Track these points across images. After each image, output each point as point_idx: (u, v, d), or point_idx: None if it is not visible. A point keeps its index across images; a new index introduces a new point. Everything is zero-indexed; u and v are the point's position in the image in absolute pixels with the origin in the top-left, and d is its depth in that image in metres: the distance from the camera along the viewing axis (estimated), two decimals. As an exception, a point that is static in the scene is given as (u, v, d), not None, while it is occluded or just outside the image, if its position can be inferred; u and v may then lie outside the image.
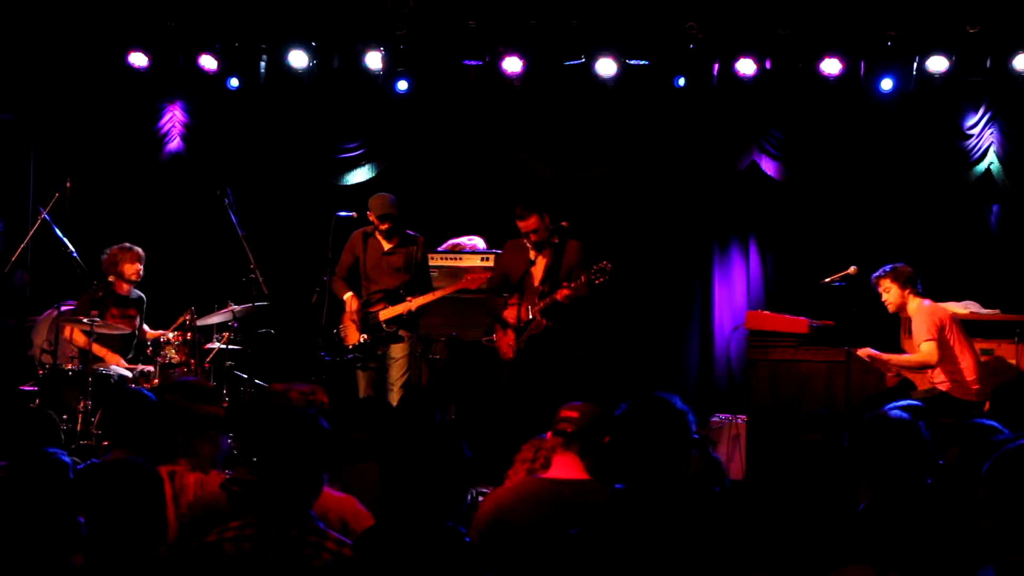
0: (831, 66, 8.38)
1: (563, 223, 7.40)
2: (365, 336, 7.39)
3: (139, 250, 7.90)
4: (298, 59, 8.92)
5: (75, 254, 7.84)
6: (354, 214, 7.47)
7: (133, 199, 9.57)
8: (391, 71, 8.95)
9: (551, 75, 8.89)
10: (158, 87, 9.33)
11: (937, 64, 8.29)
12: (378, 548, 2.87)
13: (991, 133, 8.60)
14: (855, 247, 8.61)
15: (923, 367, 6.84)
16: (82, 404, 7.13)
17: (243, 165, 9.38)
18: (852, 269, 7.49)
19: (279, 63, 9.00)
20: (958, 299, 8.04)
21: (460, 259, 8.63)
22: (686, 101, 8.99)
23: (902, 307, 7.05)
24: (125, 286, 7.85)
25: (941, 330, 6.88)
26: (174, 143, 9.49)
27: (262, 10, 8.93)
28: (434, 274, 8.02)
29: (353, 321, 7.44)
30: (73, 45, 9.09)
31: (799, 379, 7.11)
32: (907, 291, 7.01)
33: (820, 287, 7.59)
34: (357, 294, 7.50)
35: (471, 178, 9.47)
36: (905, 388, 6.99)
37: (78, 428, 7.07)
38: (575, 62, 8.77)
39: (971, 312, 7.86)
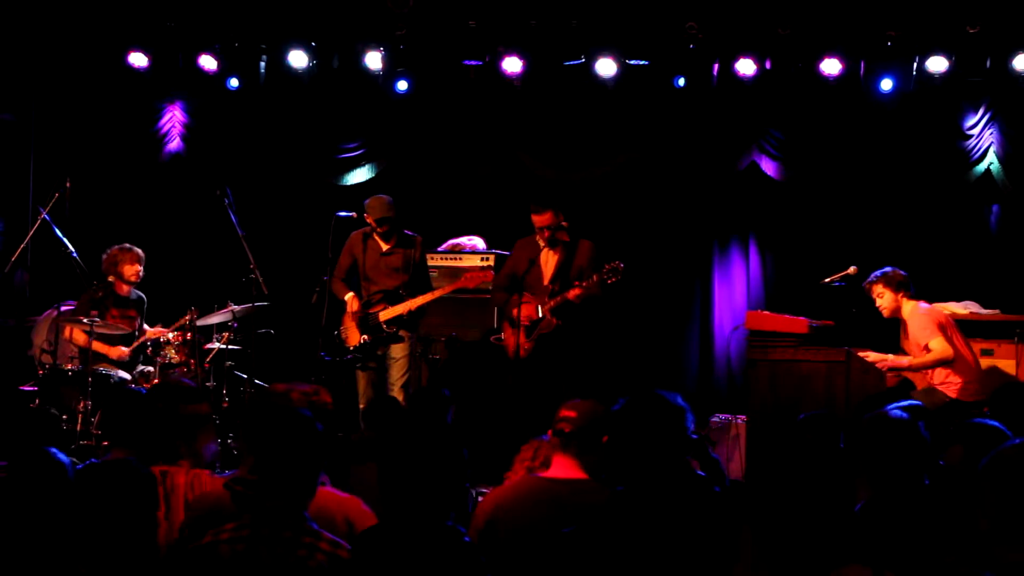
0: (831, 66, 8.38)
1: (563, 223, 7.40)
2: (366, 337, 7.40)
3: (139, 251, 7.90)
4: (298, 59, 8.92)
5: (75, 254, 7.84)
6: (354, 214, 7.47)
7: (133, 199, 9.58)
8: (391, 71, 8.95)
9: (551, 75, 8.89)
10: (158, 87, 9.33)
11: (937, 64, 8.29)
12: (377, 548, 2.87)
13: (991, 133, 8.59)
14: (855, 247, 8.61)
15: (940, 363, 6.83)
16: (82, 404, 7.13)
17: (243, 165, 9.38)
18: (852, 269, 7.49)
19: (279, 63, 9.00)
20: (958, 299, 8.04)
21: (460, 259, 8.63)
22: (686, 101, 8.98)
23: (896, 311, 7.07)
24: (125, 287, 7.85)
25: (943, 328, 6.89)
26: (174, 143, 9.50)
27: (262, 10, 8.93)
28: (434, 274, 8.02)
29: (354, 322, 7.45)
30: (73, 45, 9.09)
31: (799, 379, 7.09)
32: (900, 295, 7.02)
33: (820, 287, 7.58)
34: (357, 295, 7.50)
35: (471, 178, 9.47)
36: (905, 388, 6.99)
37: (78, 428, 7.07)
38: (575, 62, 8.78)
39: (971, 312, 7.86)
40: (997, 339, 7.71)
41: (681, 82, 8.85)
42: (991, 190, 8.78)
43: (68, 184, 7.90)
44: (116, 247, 7.90)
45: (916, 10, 8.23)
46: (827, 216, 9.14)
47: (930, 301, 7.30)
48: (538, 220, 7.22)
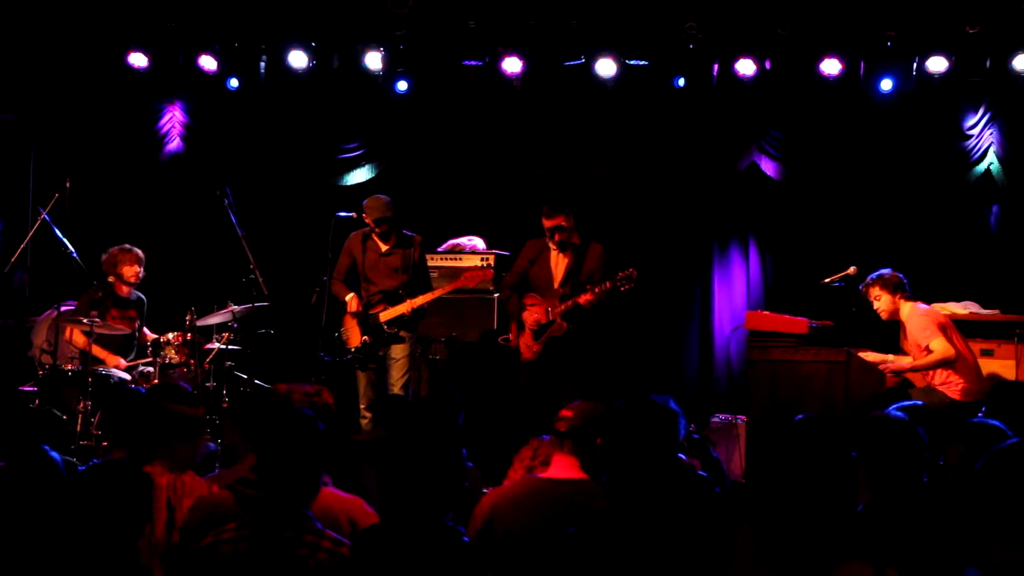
0: (831, 66, 8.39)
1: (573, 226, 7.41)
2: (367, 338, 7.39)
3: (139, 252, 7.89)
4: (298, 59, 8.92)
5: (75, 254, 7.84)
6: (354, 214, 7.47)
7: (133, 199, 9.58)
8: (391, 71, 8.95)
9: (551, 75, 8.90)
10: (158, 87, 9.33)
11: (937, 64, 8.29)
12: (377, 547, 2.87)
13: (991, 133, 8.60)
14: (855, 247, 8.61)
15: (942, 364, 6.83)
16: (82, 404, 7.12)
17: (243, 165, 9.38)
18: (852, 269, 7.49)
19: (279, 63, 9.00)
20: (958, 299, 8.04)
21: (460, 259, 8.64)
22: (686, 101, 8.99)
23: (895, 313, 7.07)
24: (125, 288, 7.85)
25: (944, 328, 6.89)
26: (174, 143, 9.50)
27: (262, 10, 8.93)
28: (434, 275, 8.02)
29: (355, 322, 7.44)
30: (73, 45, 9.09)
31: (799, 379, 7.10)
32: (897, 296, 7.03)
33: (820, 287, 7.59)
34: (357, 295, 7.50)
35: (471, 178, 9.48)
36: (904, 388, 6.99)
37: (78, 428, 7.06)
38: (575, 62, 8.78)
39: (971, 312, 7.86)
40: (997, 339, 7.71)
41: (681, 82, 8.85)
42: (991, 190, 8.78)
43: (68, 184, 7.89)
44: (116, 247, 7.89)
45: (916, 10, 8.23)
46: (827, 216, 9.14)
47: (929, 301, 7.30)
48: (550, 223, 7.23)
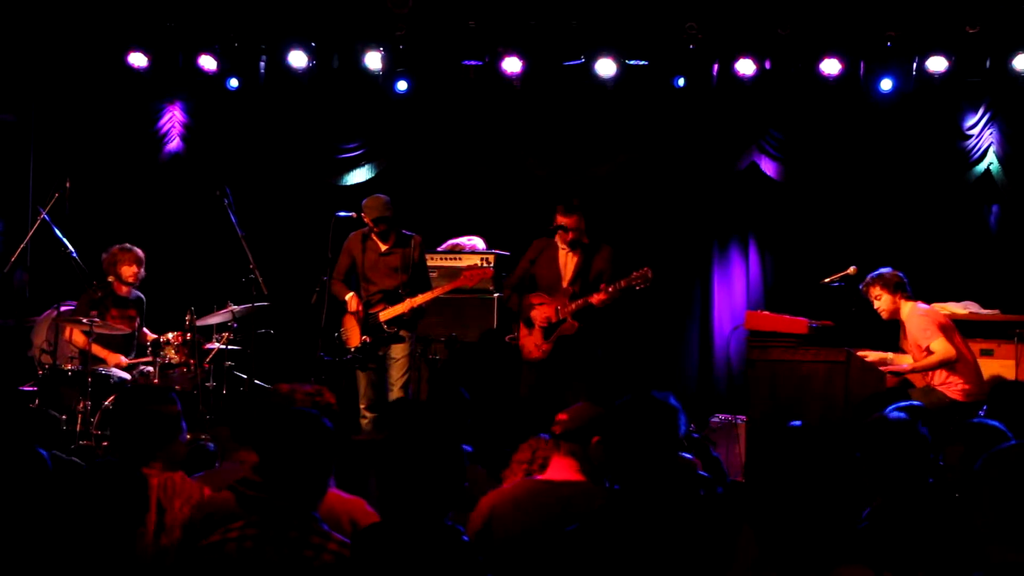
0: (831, 66, 8.39)
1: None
2: (367, 338, 7.39)
3: (138, 252, 7.89)
4: (298, 59, 8.92)
5: (75, 254, 7.83)
6: (354, 214, 7.47)
7: (133, 199, 9.58)
8: (391, 71, 8.95)
9: (551, 75, 8.90)
10: (158, 87, 9.33)
11: (937, 64, 8.29)
12: (376, 546, 2.87)
13: (991, 133, 8.60)
14: (855, 247, 8.61)
15: (943, 364, 6.83)
16: (82, 404, 7.12)
17: (243, 165, 9.38)
18: (852, 269, 7.49)
19: (279, 63, 9.00)
20: (958, 299, 8.04)
21: (460, 259, 8.63)
22: (686, 101, 8.99)
23: (895, 313, 7.07)
24: (124, 287, 7.85)
25: (944, 329, 6.89)
26: (174, 143, 9.50)
27: (262, 10, 8.93)
28: (434, 275, 8.02)
29: (355, 322, 7.44)
30: (73, 45, 9.09)
31: (799, 379, 7.10)
32: (898, 296, 7.03)
33: (820, 287, 7.58)
34: (357, 295, 7.50)
35: (471, 178, 9.48)
36: (904, 388, 6.99)
37: (78, 428, 7.07)
38: (575, 62, 8.78)
39: (971, 312, 7.86)
40: (997, 339, 7.71)
41: (681, 82, 8.86)
42: (991, 190, 8.79)
43: (68, 184, 7.89)
44: (116, 247, 7.89)
45: (916, 10, 8.23)
46: (827, 216, 9.14)
47: (929, 301, 7.30)
48: (566, 221, 7.21)
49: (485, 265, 8.40)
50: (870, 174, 8.80)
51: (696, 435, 6.84)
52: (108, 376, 7.43)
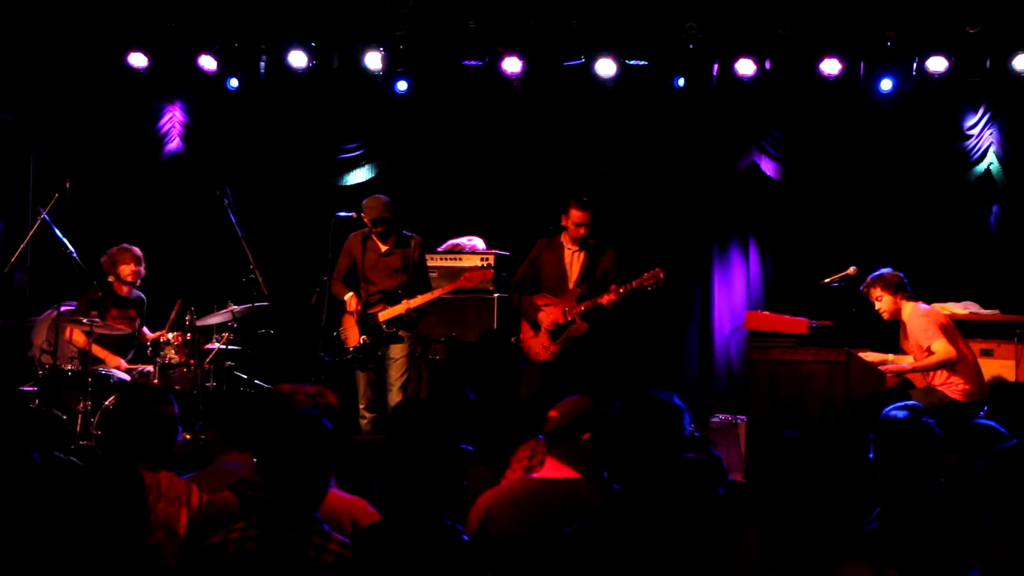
0: (831, 66, 8.39)
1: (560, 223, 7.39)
2: (365, 338, 7.39)
3: (137, 251, 7.89)
4: (298, 59, 8.92)
5: (75, 254, 7.84)
6: (353, 214, 7.47)
7: (133, 199, 9.57)
8: (391, 71, 8.95)
9: (551, 75, 8.90)
10: (158, 87, 9.33)
11: (937, 64, 8.29)
12: (377, 546, 2.87)
13: (991, 133, 8.60)
14: (855, 247, 8.61)
15: (943, 365, 6.83)
16: (82, 404, 7.12)
17: (243, 165, 9.38)
18: (852, 269, 7.49)
19: (279, 63, 9.00)
20: (958, 299, 8.04)
21: (460, 259, 8.63)
22: (686, 101, 8.99)
23: (896, 313, 7.07)
24: (124, 287, 7.85)
25: (945, 329, 6.89)
26: (174, 143, 9.50)
27: (262, 10, 8.93)
28: (434, 275, 8.02)
29: (354, 322, 7.44)
30: (73, 45, 9.09)
31: (799, 379, 7.10)
32: (899, 297, 7.03)
33: (820, 287, 7.58)
34: (357, 295, 7.50)
35: (471, 178, 9.48)
36: (904, 388, 6.99)
37: (78, 428, 7.07)
38: (575, 62, 8.78)
39: (971, 312, 7.86)
40: (997, 339, 7.72)
41: (681, 82, 8.86)
42: (991, 190, 8.79)
43: (68, 184, 7.89)
44: (115, 247, 7.89)
45: (916, 10, 8.23)
46: (827, 216, 9.14)
47: (930, 301, 7.30)
48: (581, 217, 7.16)
49: (485, 265, 8.40)
50: (870, 174, 8.80)
51: (697, 434, 6.85)
52: (108, 376, 7.43)
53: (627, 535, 2.84)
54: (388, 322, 7.39)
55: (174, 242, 9.47)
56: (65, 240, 7.81)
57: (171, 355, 7.62)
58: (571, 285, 7.27)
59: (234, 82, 9.26)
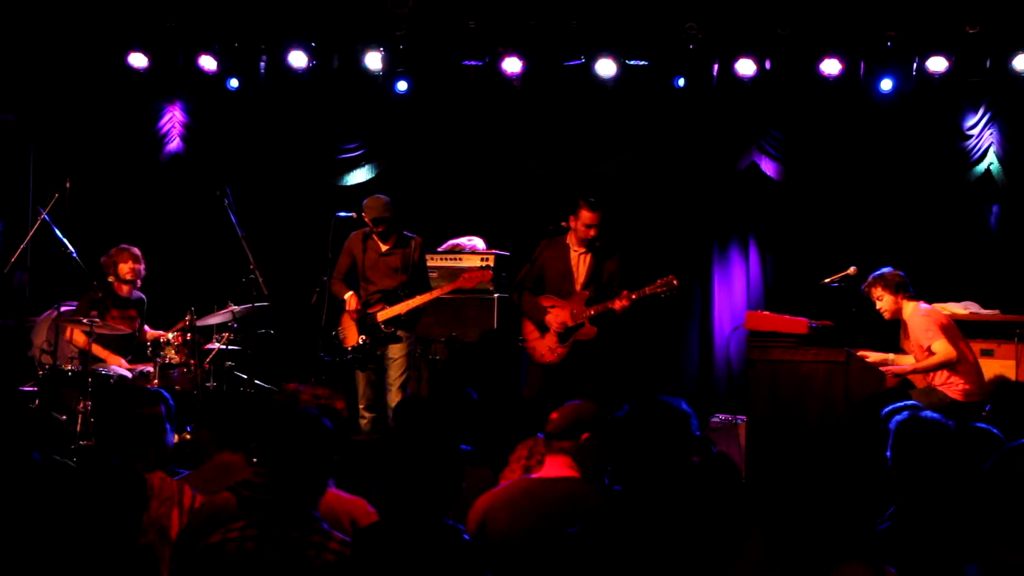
0: (831, 66, 8.39)
1: (563, 223, 7.39)
2: (364, 337, 7.39)
3: (135, 250, 7.89)
4: (298, 59, 8.92)
5: (75, 254, 7.84)
6: (353, 214, 7.46)
7: (133, 199, 9.57)
8: (391, 71, 8.95)
9: (551, 75, 8.89)
10: (158, 87, 9.34)
11: (937, 64, 8.29)
12: (377, 545, 2.87)
13: (991, 133, 8.60)
14: (855, 247, 8.61)
15: (944, 365, 6.83)
16: (82, 404, 7.12)
17: (243, 165, 9.38)
18: (852, 269, 7.49)
19: (279, 63, 9.00)
20: (958, 299, 8.04)
21: (460, 259, 8.63)
22: (686, 101, 8.99)
23: (897, 313, 7.07)
24: (124, 287, 7.84)
25: (945, 330, 6.89)
26: (174, 143, 9.50)
27: (262, 10, 8.93)
28: (434, 275, 8.02)
29: (353, 322, 7.44)
30: (73, 45, 9.09)
31: (799, 379, 7.09)
32: (900, 296, 7.03)
33: (820, 287, 7.58)
34: (356, 295, 7.50)
35: (471, 179, 9.47)
36: (905, 388, 6.99)
37: (78, 428, 7.06)
38: (575, 62, 8.78)
39: (971, 312, 7.86)
40: (997, 339, 7.72)
41: (681, 82, 8.86)
42: (991, 190, 8.79)
43: (68, 184, 7.89)
44: (113, 248, 7.90)
45: (916, 10, 8.23)
46: (827, 216, 9.14)
47: (930, 301, 7.30)
48: (592, 218, 7.14)
49: (485, 265, 8.40)
50: (870, 174, 8.80)
51: (697, 433, 6.84)
52: (108, 376, 7.43)
53: (628, 538, 2.84)
54: (387, 322, 7.39)
55: (174, 242, 9.47)
56: (65, 240, 7.81)
57: (171, 355, 7.63)
58: (578, 287, 7.25)
59: (234, 82, 9.26)
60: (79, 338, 7.58)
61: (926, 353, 6.86)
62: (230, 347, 7.91)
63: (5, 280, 8.13)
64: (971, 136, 8.63)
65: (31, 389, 7.49)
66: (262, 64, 9.13)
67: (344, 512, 3.38)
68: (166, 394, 3.89)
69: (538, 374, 7.31)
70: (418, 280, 7.51)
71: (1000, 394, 4.87)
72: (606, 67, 8.64)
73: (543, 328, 7.23)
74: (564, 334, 7.18)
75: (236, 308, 7.78)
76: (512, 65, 8.72)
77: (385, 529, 2.92)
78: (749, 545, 2.84)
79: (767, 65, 8.57)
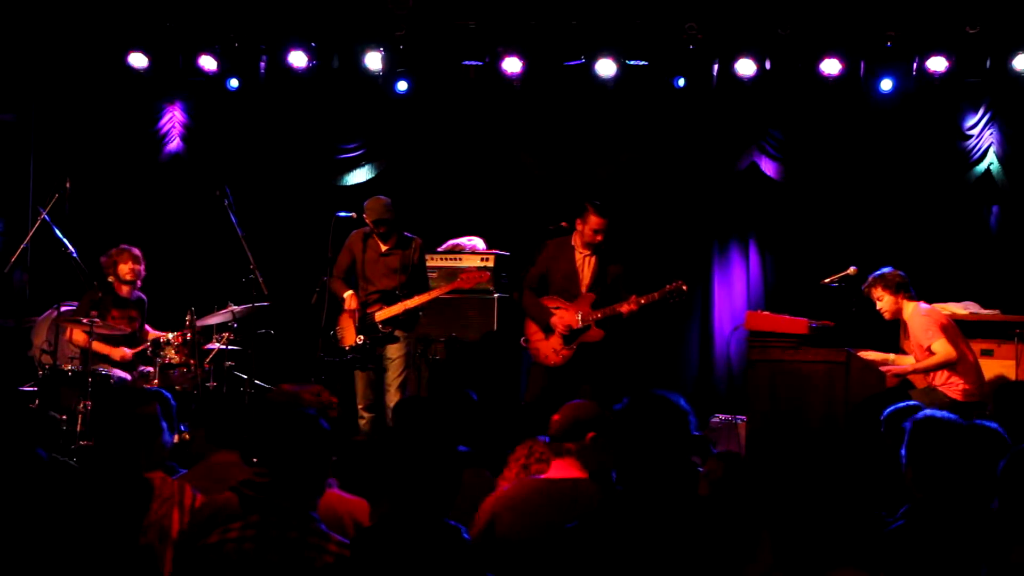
0: (831, 66, 8.39)
1: (563, 223, 7.39)
2: (361, 337, 7.38)
3: (135, 250, 7.88)
4: (298, 59, 8.92)
5: (75, 254, 7.84)
6: (353, 215, 7.46)
7: (133, 199, 9.57)
8: (391, 71, 8.95)
9: (551, 75, 8.89)
10: (158, 87, 9.33)
11: (937, 64, 8.29)
12: (377, 544, 2.87)
13: (991, 133, 8.60)
14: (855, 247, 8.61)
15: (944, 365, 6.83)
16: (82, 404, 7.12)
17: (243, 165, 9.38)
18: (852, 269, 7.49)
19: (279, 63, 9.00)
20: (958, 299, 8.03)
21: (460, 259, 8.63)
22: (686, 101, 8.99)
23: (898, 313, 7.07)
24: (124, 288, 7.84)
25: (945, 330, 6.89)
26: (174, 143, 9.50)
27: (262, 10, 8.93)
28: (433, 275, 8.02)
29: (351, 321, 7.43)
30: (73, 45, 9.09)
31: (799, 379, 7.10)
32: (900, 296, 7.02)
33: (820, 287, 7.58)
34: (356, 294, 7.49)
35: (471, 179, 9.47)
36: (905, 388, 6.99)
37: (78, 428, 7.06)
38: (575, 62, 8.78)
39: (971, 312, 7.85)
40: (997, 339, 7.71)
41: (681, 82, 8.86)
42: (991, 190, 8.79)
43: (68, 184, 7.89)
44: (113, 248, 7.89)
45: (916, 10, 8.23)
46: (827, 216, 9.14)
47: (930, 301, 7.29)
48: (601, 223, 7.13)
49: (485, 265, 8.39)
50: (870, 174, 8.80)
51: (697, 433, 6.84)
52: (108, 376, 7.43)
53: (625, 535, 2.83)
54: (384, 322, 7.38)
55: (174, 242, 9.46)
56: (65, 240, 7.81)
57: (171, 355, 7.62)
58: (583, 289, 7.24)
59: (234, 82, 9.26)
60: (79, 338, 7.57)
61: (926, 353, 6.86)
62: (230, 347, 7.91)
63: (5, 280, 8.13)
64: (971, 136, 8.63)
65: (31, 389, 7.49)
66: (262, 64, 9.12)
67: (345, 512, 3.38)
68: (167, 394, 3.88)
69: (541, 375, 7.30)
70: (416, 281, 7.50)
71: (1001, 394, 4.87)
72: (606, 67, 8.64)
73: (548, 330, 7.22)
74: (570, 336, 7.17)
75: (236, 308, 7.78)
76: (512, 65, 8.72)
77: (385, 529, 2.92)
78: (759, 549, 2.83)
79: (767, 65, 8.57)
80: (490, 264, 8.47)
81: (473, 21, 8.67)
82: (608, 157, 9.14)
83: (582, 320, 7.14)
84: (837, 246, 8.80)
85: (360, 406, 7.44)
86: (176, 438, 4.12)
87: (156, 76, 9.14)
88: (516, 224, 9.10)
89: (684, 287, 7.06)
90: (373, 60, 8.88)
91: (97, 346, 7.53)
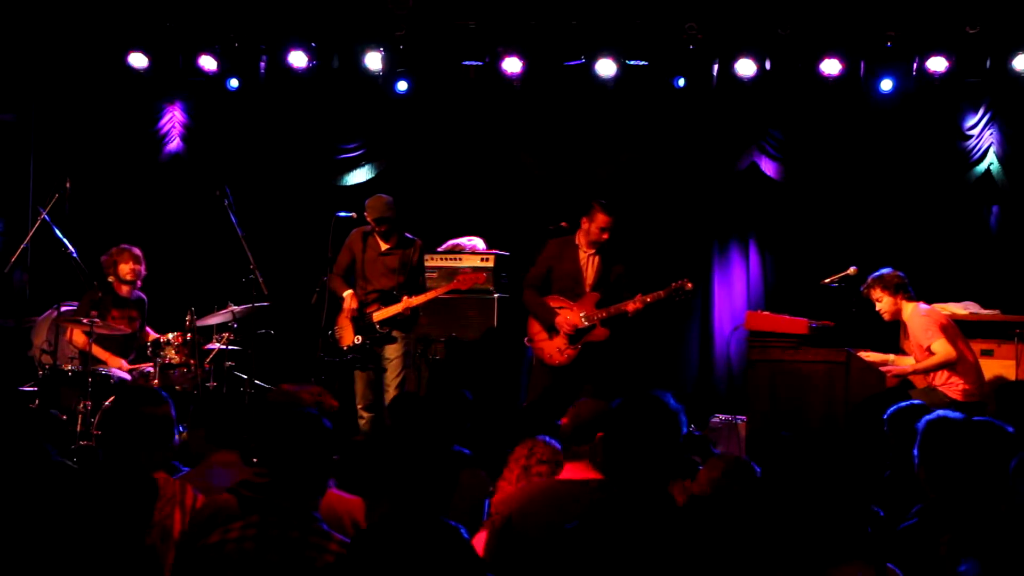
0: (831, 66, 8.39)
1: (563, 223, 7.39)
2: (360, 337, 7.38)
3: (136, 250, 7.88)
4: (298, 59, 8.92)
5: (75, 254, 7.84)
6: (354, 214, 7.46)
7: (133, 199, 9.57)
8: (391, 71, 8.96)
9: (551, 75, 8.89)
10: (158, 87, 9.34)
11: (937, 64, 8.29)
12: (376, 545, 2.87)
13: (991, 133, 8.61)
14: (855, 247, 8.61)
15: (943, 365, 6.83)
16: (82, 404, 7.12)
17: (243, 165, 9.38)
18: (852, 269, 7.49)
19: (279, 63, 9.00)
20: (958, 299, 8.03)
21: (460, 259, 8.63)
22: (686, 101, 8.99)
23: (897, 314, 7.07)
24: (124, 288, 7.83)
25: (945, 330, 6.89)
26: (174, 143, 9.50)
27: (262, 10, 8.93)
28: (433, 275, 8.02)
29: (350, 321, 7.43)
30: (73, 45, 9.09)
31: (799, 379, 7.10)
32: (899, 297, 7.02)
33: (820, 287, 7.58)
34: (355, 293, 7.49)
35: (471, 179, 9.48)
36: (905, 388, 6.99)
37: (78, 428, 7.06)
38: (575, 62, 8.78)
39: (971, 312, 7.85)
40: (997, 339, 7.71)
41: (681, 82, 8.86)
42: (991, 190, 8.79)
43: (68, 184, 7.89)
44: (113, 248, 7.89)
45: (916, 10, 8.24)
46: (827, 216, 9.14)
47: (930, 301, 7.29)
48: (607, 222, 7.11)
49: (485, 264, 8.40)
50: (870, 174, 8.80)
51: (697, 433, 6.85)
52: (108, 376, 7.42)
53: (617, 534, 2.83)
54: (382, 322, 7.38)
55: (174, 242, 9.46)
56: (65, 240, 7.81)
57: (171, 355, 7.62)
58: (587, 289, 7.24)
59: (234, 82, 9.26)
60: (79, 338, 7.57)
61: (926, 353, 6.86)
62: (230, 347, 7.91)
63: (5, 280, 8.13)
64: (971, 136, 8.63)
65: (31, 389, 7.49)
66: (262, 64, 9.12)
67: (345, 512, 3.38)
68: (165, 394, 3.88)
69: (544, 375, 7.28)
70: (414, 282, 7.50)
71: (1002, 394, 4.87)
72: (606, 67, 8.64)
73: (552, 329, 7.21)
74: (575, 336, 7.16)
75: (236, 308, 7.78)
76: (512, 65, 8.72)
77: (385, 529, 2.92)
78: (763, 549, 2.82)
79: (767, 65, 8.57)
80: (490, 264, 8.46)
81: (473, 21, 8.67)
82: (608, 157, 9.14)
83: (587, 319, 7.13)
84: (837, 246, 8.80)
85: (359, 406, 7.45)
86: (177, 438, 4.12)
87: (156, 76, 9.14)
88: (516, 224, 9.10)
89: (689, 285, 7.06)
90: (373, 60, 8.88)
91: (97, 351, 7.52)
